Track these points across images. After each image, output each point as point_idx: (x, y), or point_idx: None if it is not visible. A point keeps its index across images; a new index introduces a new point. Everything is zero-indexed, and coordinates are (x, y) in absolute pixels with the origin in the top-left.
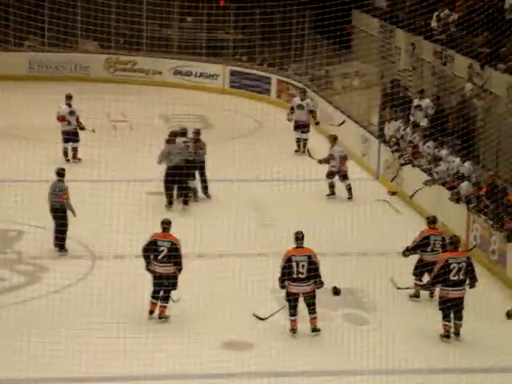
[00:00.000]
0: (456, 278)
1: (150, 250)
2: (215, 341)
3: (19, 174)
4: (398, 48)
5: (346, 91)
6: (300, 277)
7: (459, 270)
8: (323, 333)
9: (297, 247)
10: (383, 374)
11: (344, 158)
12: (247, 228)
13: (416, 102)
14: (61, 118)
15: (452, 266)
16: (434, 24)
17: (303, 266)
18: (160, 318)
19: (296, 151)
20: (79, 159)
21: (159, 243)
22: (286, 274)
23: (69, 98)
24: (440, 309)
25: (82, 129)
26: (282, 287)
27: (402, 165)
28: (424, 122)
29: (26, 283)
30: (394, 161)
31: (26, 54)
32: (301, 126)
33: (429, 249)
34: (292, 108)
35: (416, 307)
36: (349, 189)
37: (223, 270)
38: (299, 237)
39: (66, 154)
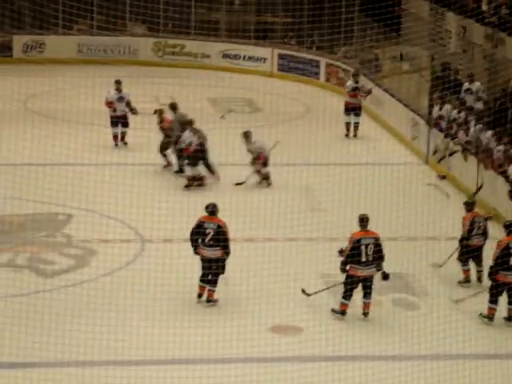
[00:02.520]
0: None
1: (198, 233)
2: (264, 325)
3: (69, 158)
4: (449, 31)
5: (396, 74)
6: (369, 259)
7: None
8: (373, 317)
9: (362, 230)
10: (434, 359)
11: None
12: (297, 212)
13: (466, 85)
14: (109, 104)
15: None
16: (484, 7)
17: (370, 248)
18: (208, 301)
19: (346, 135)
20: (126, 143)
21: (206, 225)
22: (353, 257)
23: (118, 83)
24: (490, 292)
25: (135, 113)
26: (344, 270)
27: (451, 154)
28: (478, 105)
29: (75, 266)
30: (446, 144)
31: (74, 38)
32: (355, 109)
33: (473, 232)
34: (353, 90)
35: (466, 292)
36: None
37: (272, 254)
38: (364, 219)
39: (115, 138)
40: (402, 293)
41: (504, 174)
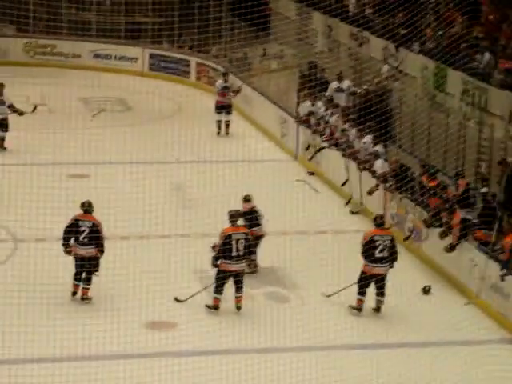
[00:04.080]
0: (380, 255)
1: (72, 232)
2: (139, 321)
3: None
4: (315, 30)
5: (264, 73)
6: (239, 254)
7: (384, 248)
8: (246, 311)
9: (233, 226)
10: (305, 350)
11: None
12: (168, 209)
13: (335, 84)
14: None
15: (378, 243)
16: (350, 6)
17: (241, 243)
18: (82, 299)
19: (218, 133)
20: (5, 148)
21: (80, 223)
22: (224, 252)
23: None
24: (359, 284)
25: (21, 114)
26: (215, 265)
27: (319, 150)
28: (343, 102)
29: None
30: (314, 141)
31: None
32: (225, 107)
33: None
34: (223, 89)
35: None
36: None
37: (145, 251)
38: (235, 215)
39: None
40: (273, 286)
41: (369, 169)
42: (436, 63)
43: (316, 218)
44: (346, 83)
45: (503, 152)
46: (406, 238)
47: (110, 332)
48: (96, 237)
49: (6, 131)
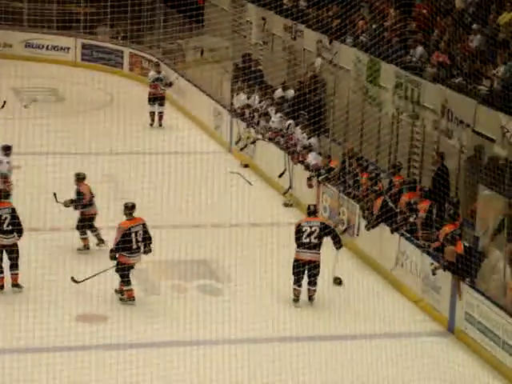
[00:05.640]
0: (307, 240)
1: None
2: (69, 314)
3: None
4: (250, 22)
5: (198, 65)
6: (138, 246)
7: (311, 233)
8: (179, 303)
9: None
10: (237, 343)
11: None
12: (100, 201)
13: (279, 93)
14: None
15: (304, 229)
16: None
17: (140, 235)
18: (14, 286)
19: (151, 124)
20: None
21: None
22: (124, 244)
23: None
24: (293, 272)
25: None
26: (114, 257)
27: (254, 141)
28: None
29: None
30: (247, 133)
31: None
32: (158, 99)
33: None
34: (155, 81)
35: (270, 276)
36: None
37: (77, 242)
38: (132, 207)
39: None
40: (206, 279)
41: (303, 162)
42: (369, 56)
43: (249, 210)
44: (291, 92)
45: (435, 145)
46: (344, 231)
47: (39, 325)
48: (16, 223)
49: None
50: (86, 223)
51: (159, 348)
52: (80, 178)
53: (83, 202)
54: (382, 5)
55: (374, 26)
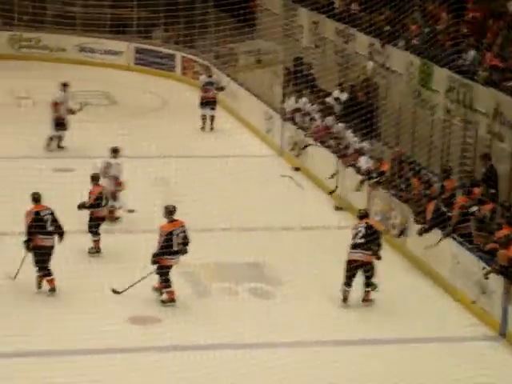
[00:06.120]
0: (360, 241)
1: (36, 225)
2: (120, 316)
3: None
4: (301, 26)
5: (252, 69)
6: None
7: (362, 235)
8: (229, 306)
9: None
10: (291, 346)
11: None
12: (152, 204)
13: (336, 94)
14: None
15: (356, 231)
16: (336, 2)
17: (180, 237)
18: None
19: (202, 128)
20: None
21: (42, 214)
22: (167, 248)
23: None
24: (345, 274)
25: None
26: (155, 262)
27: (305, 147)
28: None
29: None
30: (298, 139)
31: None
32: (209, 103)
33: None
34: (206, 85)
35: (322, 279)
36: None
37: (128, 247)
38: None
39: None
40: (257, 282)
41: (354, 165)
42: (422, 60)
43: (301, 213)
44: (344, 95)
45: (488, 149)
46: (399, 235)
47: (90, 328)
48: (57, 224)
49: None
50: (93, 223)
51: (211, 350)
52: (93, 178)
53: (88, 202)
54: (435, 9)
55: (426, 30)
